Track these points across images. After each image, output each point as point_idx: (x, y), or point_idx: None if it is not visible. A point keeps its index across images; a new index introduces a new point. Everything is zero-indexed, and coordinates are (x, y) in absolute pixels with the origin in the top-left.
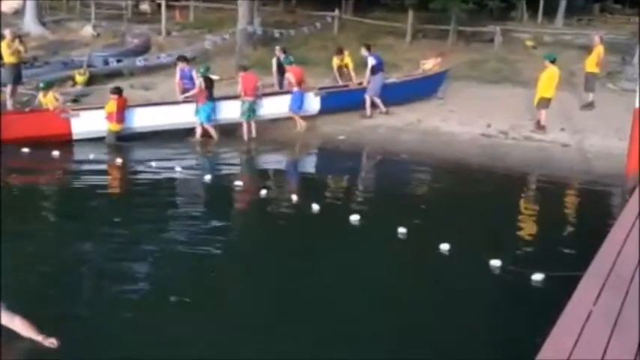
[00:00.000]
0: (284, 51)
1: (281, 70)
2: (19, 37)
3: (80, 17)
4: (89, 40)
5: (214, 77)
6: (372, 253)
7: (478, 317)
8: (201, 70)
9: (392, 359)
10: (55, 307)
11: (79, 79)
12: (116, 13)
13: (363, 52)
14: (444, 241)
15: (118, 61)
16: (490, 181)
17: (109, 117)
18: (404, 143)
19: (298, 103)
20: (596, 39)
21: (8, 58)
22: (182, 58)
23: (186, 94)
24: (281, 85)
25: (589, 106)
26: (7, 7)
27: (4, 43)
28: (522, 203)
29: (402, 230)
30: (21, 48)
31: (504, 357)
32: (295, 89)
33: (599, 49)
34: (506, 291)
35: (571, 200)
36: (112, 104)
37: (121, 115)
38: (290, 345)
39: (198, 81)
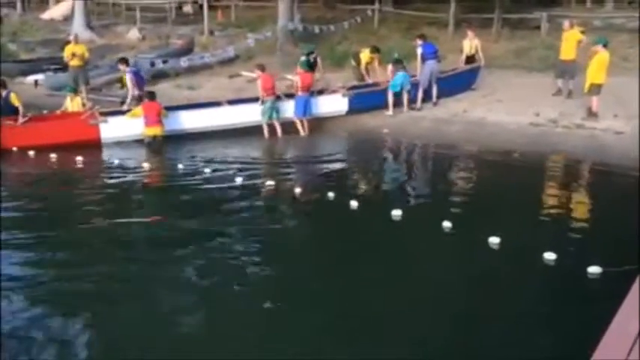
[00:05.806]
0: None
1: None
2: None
3: (126, 21)
4: (135, 43)
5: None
6: (416, 249)
7: (531, 313)
8: None
9: (445, 353)
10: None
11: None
12: (160, 16)
13: (417, 42)
14: (493, 235)
15: (164, 62)
16: (540, 171)
17: (144, 121)
18: (449, 135)
19: (302, 108)
20: (566, 24)
21: (75, 62)
22: (123, 60)
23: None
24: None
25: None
26: (57, 13)
27: (68, 49)
28: (574, 194)
29: (447, 224)
30: (78, 51)
31: (559, 356)
32: (300, 94)
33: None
34: (562, 285)
35: (626, 190)
36: (138, 109)
37: (153, 119)
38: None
39: None
